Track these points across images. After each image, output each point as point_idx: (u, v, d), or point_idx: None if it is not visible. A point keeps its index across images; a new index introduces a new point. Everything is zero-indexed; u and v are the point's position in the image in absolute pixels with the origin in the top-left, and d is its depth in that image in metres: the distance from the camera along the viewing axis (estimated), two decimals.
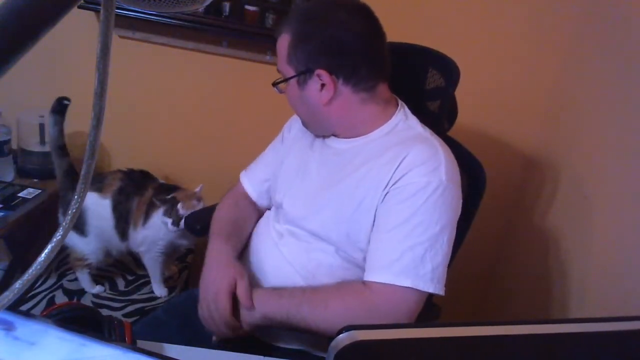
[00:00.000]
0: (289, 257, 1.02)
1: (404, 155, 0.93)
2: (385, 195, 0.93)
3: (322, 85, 0.98)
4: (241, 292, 0.95)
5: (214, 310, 0.96)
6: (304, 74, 0.99)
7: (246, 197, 1.24)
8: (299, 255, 1.01)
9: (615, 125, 1.32)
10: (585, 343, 0.53)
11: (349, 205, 0.96)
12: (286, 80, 1.01)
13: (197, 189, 1.42)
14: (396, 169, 0.93)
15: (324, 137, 1.09)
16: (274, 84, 1.05)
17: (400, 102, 1.07)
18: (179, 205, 1.35)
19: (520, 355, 0.53)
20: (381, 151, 0.97)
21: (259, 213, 1.22)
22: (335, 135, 1.07)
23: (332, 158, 1.05)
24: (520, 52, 1.65)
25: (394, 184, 0.92)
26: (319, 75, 0.97)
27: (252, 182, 1.24)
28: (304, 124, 1.11)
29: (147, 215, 1.37)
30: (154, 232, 1.37)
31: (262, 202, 1.23)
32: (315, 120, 1.06)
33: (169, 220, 1.35)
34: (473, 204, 1.14)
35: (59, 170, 1.39)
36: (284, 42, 0.99)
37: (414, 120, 1.05)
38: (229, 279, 0.96)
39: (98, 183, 1.39)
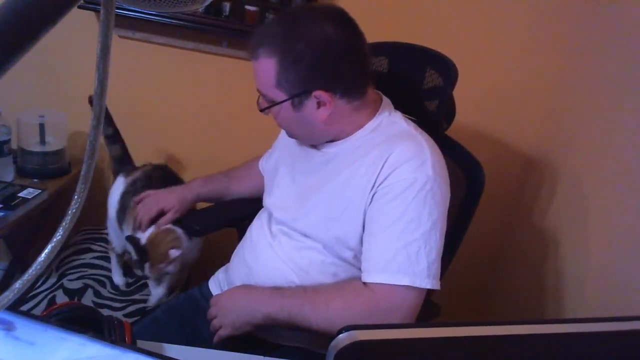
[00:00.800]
0: (283, 256, 1.03)
1: (389, 153, 0.93)
2: (373, 195, 0.93)
3: (318, 103, 0.96)
4: (162, 219, 1.27)
5: (144, 208, 1.28)
6: (298, 96, 0.95)
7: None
8: (292, 253, 1.02)
9: (614, 125, 1.32)
10: (585, 343, 0.53)
11: (337, 206, 0.97)
12: (277, 104, 0.97)
13: (173, 253, 1.22)
14: (381, 168, 0.93)
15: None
16: (262, 110, 1.00)
17: (383, 97, 1.07)
18: (147, 266, 1.24)
19: (520, 355, 0.53)
20: (367, 150, 0.98)
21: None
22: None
23: (320, 160, 1.05)
24: (520, 52, 1.65)
25: (380, 184, 0.93)
26: (316, 96, 0.95)
27: (264, 158, 1.34)
28: (295, 137, 1.09)
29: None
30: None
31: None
32: (310, 135, 1.05)
33: (136, 270, 1.26)
34: (472, 203, 1.14)
35: (110, 155, 1.47)
36: (267, 66, 0.93)
37: (397, 116, 1.05)
38: (169, 202, 1.28)
39: (131, 169, 1.43)
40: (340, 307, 0.91)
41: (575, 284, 1.37)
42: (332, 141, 1.04)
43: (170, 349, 0.81)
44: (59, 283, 1.39)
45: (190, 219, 1.32)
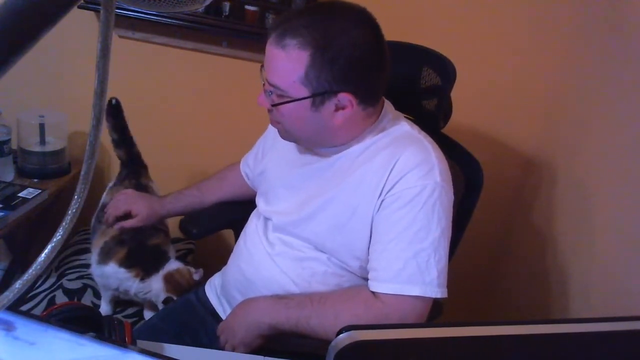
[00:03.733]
0: (284, 267, 1.01)
1: (396, 159, 0.92)
2: (381, 203, 0.92)
3: (337, 105, 0.92)
4: (126, 223, 1.23)
5: (114, 205, 1.26)
6: (321, 95, 0.90)
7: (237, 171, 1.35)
8: (294, 264, 1.00)
9: (614, 125, 1.32)
10: (585, 343, 0.53)
11: (343, 213, 0.95)
12: (296, 101, 0.90)
13: (197, 275, 1.29)
14: (389, 174, 0.91)
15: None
16: (274, 105, 0.93)
17: (385, 100, 1.04)
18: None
19: (520, 355, 0.53)
20: (371, 155, 0.96)
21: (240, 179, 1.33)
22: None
23: (319, 165, 1.02)
24: (520, 52, 1.65)
25: (389, 191, 0.91)
26: (340, 98, 0.90)
27: (246, 162, 1.33)
28: (294, 139, 1.03)
29: (103, 256, 1.29)
30: (104, 280, 1.30)
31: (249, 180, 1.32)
32: (317, 139, 1.00)
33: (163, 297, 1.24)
34: (471, 202, 1.14)
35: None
36: (297, 58, 0.87)
37: (399, 118, 1.03)
38: (138, 208, 1.24)
39: (122, 178, 1.44)
40: (350, 320, 0.90)
41: (576, 284, 1.37)
42: (334, 146, 1.01)
43: (170, 349, 0.81)
44: (59, 283, 1.39)
45: (187, 223, 1.31)
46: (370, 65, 0.91)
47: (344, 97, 0.90)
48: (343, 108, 0.92)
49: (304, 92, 0.90)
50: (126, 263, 1.25)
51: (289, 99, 0.91)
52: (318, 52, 0.86)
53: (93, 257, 1.31)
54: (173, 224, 1.66)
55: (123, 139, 1.43)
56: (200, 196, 1.33)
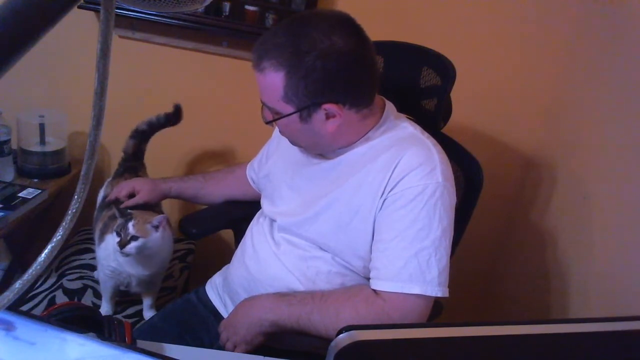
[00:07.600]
0: (289, 266, 1.01)
1: (398, 159, 0.93)
2: (384, 202, 0.93)
3: (327, 115, 0.93)
4: (130, 201, 1.26)
5: (117, 188, 1.30)
6: (307, 108, 0.92)
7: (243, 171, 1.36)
8: (299, 263, 1.01)
9: (614, 125, 1.32)
10: (585, 343, 0.53)
11: (346, 213, 0.96)
12: (284, 117, 0.94)
13: (154, 220, 1.18)
14: (391, 174, 0.92)
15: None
16: (268, 123, 0.98)
17: (386, 102, 1.05)
18: (131, 224, 1.14)
19: (520, 355, 0.53)
20: (374, 155, 0.97)
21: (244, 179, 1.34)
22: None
23: (324, 166, 1.04)
24: (520, 52, 1.65)
25: (391, 190, 0.92)
26: (325, 108, 0.92)
27: (252, 166, 1.34)
28: (299, 147, 1.06)
29: (101, 234, 1.27)
30: (106, 259, 1.25)
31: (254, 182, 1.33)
32: (317, 146, 1.03)
33: (117, 239, 1.14)
34: (470, 202, 1.14)
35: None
36: (274, 79, 0.90)
37: (402, 119, 1.04)
38: (140, 186, 1.29)
39: (118, 175, 1.44)
40: (351, 317, 0.91)
41: (575, 283, 1.37)
42: (337, 149, 1.02)
43: (170, 349, 0.81)
44: (59, 283, 1.38)
45: (187, 223, 1.31)
46: (350, 71, 0.92)
47: (330, 107, 0.92)
48: (333, 116, 0.93)
49: (290, 108, 0.93)
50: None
51: (279, 116, 0.95)
52: (291, 72, 0.89)
53: (96, 242, 1.30)
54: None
55: (140, 131, 1.47)
56: (203, 182, 1.35)
